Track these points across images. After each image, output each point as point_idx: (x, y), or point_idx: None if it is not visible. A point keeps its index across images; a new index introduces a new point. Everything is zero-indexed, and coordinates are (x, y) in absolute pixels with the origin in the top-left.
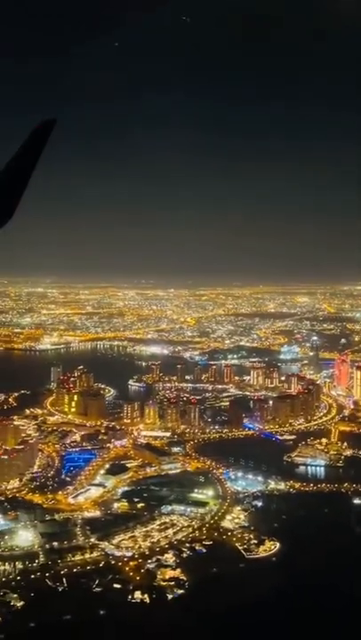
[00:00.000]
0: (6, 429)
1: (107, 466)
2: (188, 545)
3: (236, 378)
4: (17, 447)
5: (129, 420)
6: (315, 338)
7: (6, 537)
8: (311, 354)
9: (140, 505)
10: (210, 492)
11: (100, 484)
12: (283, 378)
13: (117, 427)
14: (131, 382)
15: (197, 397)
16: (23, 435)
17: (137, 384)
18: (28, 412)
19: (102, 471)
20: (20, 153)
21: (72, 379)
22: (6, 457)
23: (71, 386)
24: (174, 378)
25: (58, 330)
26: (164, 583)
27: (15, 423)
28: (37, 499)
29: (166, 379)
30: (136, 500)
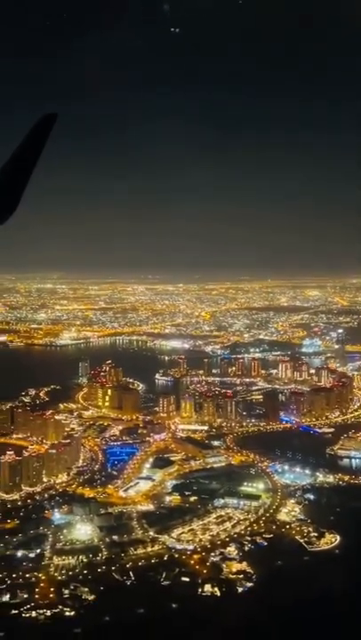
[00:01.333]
0: (47, 423)
1: (150, 459)
2: (248, 538)
3: (263, 371)
4: (63, 441)
5: (165, 414)
6: (340, 330)
7: (65, 531)
8: (336, 347)
9: (192, 498)
10: (260, 486)
11: (148, 478)
12: (312, 371)
13: (153, 420)
14: (157, 376)
15: (227, 391)
16: (67, 429)
17: (164, 378)
18: (61, 406)
19: (147, 465)
20: (22, 148)
21: (102, 373)
22: (54, 451)
23: (104, 380)
24: (200, 372)
25: (74, 325)
26: (233, 576)
27: (56, 417)
28: (88, 493)
29: (193, 373)
30: (187, 493)
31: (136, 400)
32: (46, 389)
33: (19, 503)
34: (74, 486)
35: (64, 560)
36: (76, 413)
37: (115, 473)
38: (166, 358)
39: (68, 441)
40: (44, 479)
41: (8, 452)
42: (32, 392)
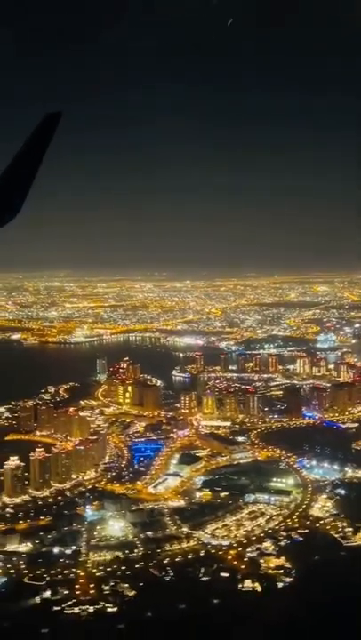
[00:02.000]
0: (71, 420)
1: (176, 455)
2: (283, 533)
3: (280, 367)
4: (90, 438)
5: (186, 410)
6: (356, 325)
7: (98, 527)
8: (353, 341)
9: (222, 494)
10: (290, 481)
11: (175, 474)
12: (330, 366)
13: (175, 417)
14: (174, 373)
15: (248, 387)
16: (92, 426)
17: (181, 374)
18: (82, 403)
19: (174, 461)
20: (26, 147)
21: (121, 370)
22: (82, 447)
23: (124, 377)
24: (217, 368)
25: (86, 323)
26: (272, 571)
27: (81, 414)
28: (117, 489)
29: (210, 369)
30: (218, 489)
31: (157, 396)
32: (65, 387)
33: (50, 500)
34: (103, 483)
35: (100, 556)
36: (97, 410)
37: (142, 469)
38: (181, 355)
39: (95, 437)
40: (73, 476)
41: (37, 449)
42: (52, 389)
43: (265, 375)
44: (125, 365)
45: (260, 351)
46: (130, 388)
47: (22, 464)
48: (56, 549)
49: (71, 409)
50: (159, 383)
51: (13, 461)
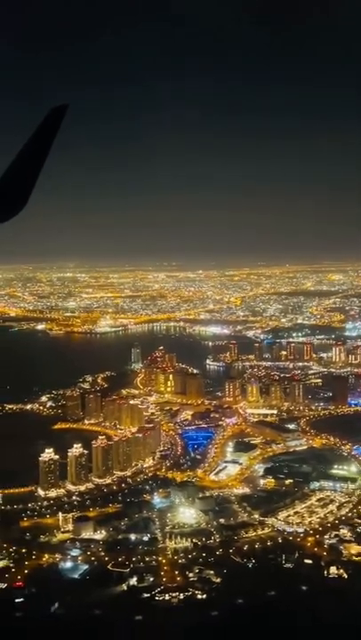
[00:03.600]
0: (120, 408)
1: (230, 443)
2: (358, 520)
3: (314, 355)
4: (147, 426)
5: (231, 399)
6: None
7: (168, 514)
8: None
9: (287, 481)
10: (352, 468)
11: (234, 462)
12: None
13: (221, 405)
14: (208, 362)
15: (293, 375)
16: (146, 414)
17: (215, 363)
18: (124, 392)
19: (229, 449)
20: (33, 140)
21: (158, 359)
22: (140, 435)
23: (165, 366)
24: (251, 357)
25: (107, 313)
26: (357, 558)
27: (131, 402)
28: (178, 476)
29: (243, 357)
30: (281, 476)
31: (200, 385)
32: (102, 375)
33: (114, 487)
34: (163, 470)
35: (177, 543)
36: (141, 399)
37: (198, 457)
38: (210, 344)
39: (152, 425)
40: (133, 463)
41: (100, 437)
42: (89, 378)
43: (300, 363)
44: (159, 354)
45: (289, 340)
46: (171, 377)
47: (86, 452)
48: (133, 536)
49: (117, 397)
50: (195, 372)
51: (77, 449)
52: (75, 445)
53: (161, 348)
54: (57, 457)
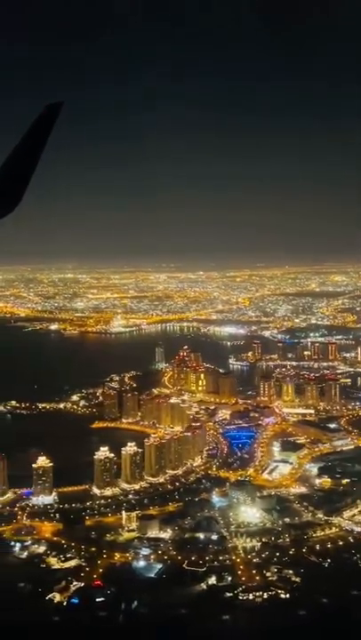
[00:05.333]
0: (160, 407)
1: (275, 443)
2: None
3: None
4: (194, 424)
5: (266, 398)
6: None
7: (230, 514)
8: None
9: (343, 481)
10: None
11: (284, 461)
12: None
13: (258, 404)
14: (231, 361)
15: (329, 374)
16: (189, 413)
17: (239, 363)
18: (155, 391)
19: (275, 448)
20: (27, 137)
21: (186, 358)
22: (190, 434)
23: (195, 365)
24: (275, 356)
25: (116, 313)
26: None
27: (171, 401)
28: (231, 475)
29: (266, 357)
30: (337, 476)
31: (233, 384)
32: (129, 375)
33: (168, 486)
34: (214, 469)
35: (247, 542)
36: (180, 398)
37: (246, 456)
38: (228, 344)
39: (199, 424)
40: (183, 462)
41: (153, 436)
42: (116, 378)
43: (324, 363)
44: (184, 354)
45: (308, 340)
46: (202, 376)
47: (140, 450)
48: (201, 535)
49: (155, 396)
50: (221, 372)
51: (131, 447)
52: (128, 444)
53: (185, 347)
54: (112, 455)
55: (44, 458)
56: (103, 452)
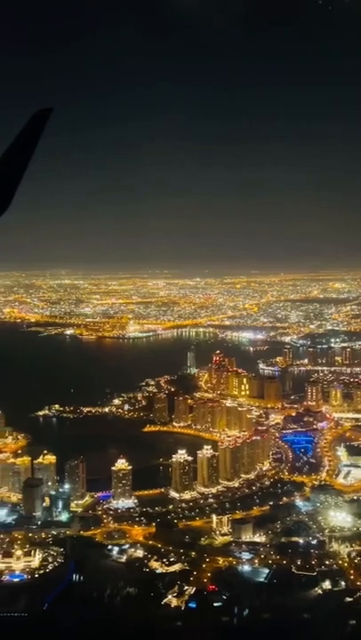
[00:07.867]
0: (214, 411)
1: (338, 447)
2: None
3: None
4: (260, 428)
5: (313, 403)
6: None
7: (319, 518)
8: None
9: None
10: None
11: (354, 465)
12: None
13: (309, 409)
14: (262, 366)
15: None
16: (249, 417)
17: (270, 368)
18: (197, 395)
19: (339, 452)
20: (17, 143)
21: (222, 362)
22: (259, 438)
23: (235, 369)
24: (305, 361)
25: (127, 318)
26: None
27: (227, 405)
28: (305, 480)
29: (297, 362)
30: None
31: (278, 389)
32: (164, 379)
33: (245, 490)
34: (286, 474)
35: (347, 547)
36: (236, 402)
37: (313, 460)
38: (251, 349)
39: (265, 428)
40: (255, 466)
41: (227, 439)
42: (152, 382)
43: (357, 369)
44: (218, 358)
45: (331, 345)
46: (245, 380)
47: (216, 453)
48: (300, 540)
49: (208, 400)
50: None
51: (207, 450)
52: (205, 447)
53: (218, 352)
54: (190, 458)
55: (123, 461)
56: (181, 455)
